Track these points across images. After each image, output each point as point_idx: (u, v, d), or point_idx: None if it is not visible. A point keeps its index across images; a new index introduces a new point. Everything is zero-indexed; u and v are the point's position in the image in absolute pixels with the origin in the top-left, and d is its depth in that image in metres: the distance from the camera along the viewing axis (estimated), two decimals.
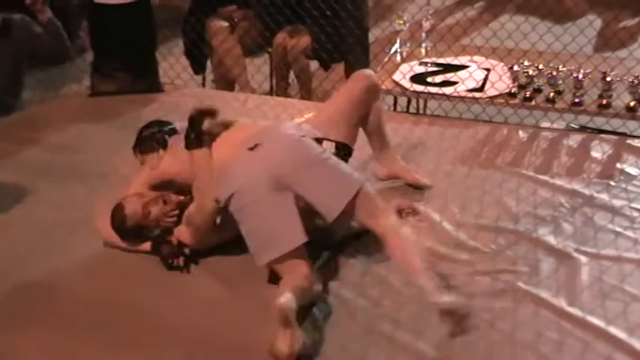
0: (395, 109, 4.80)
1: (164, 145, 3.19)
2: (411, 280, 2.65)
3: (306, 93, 5.46)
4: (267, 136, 2.91)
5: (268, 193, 2.72)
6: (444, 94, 4.46)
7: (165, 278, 2.93)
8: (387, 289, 2.81)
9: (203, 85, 5.61)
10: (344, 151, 3.17)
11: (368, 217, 2.78)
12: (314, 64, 5.41)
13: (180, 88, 4.99)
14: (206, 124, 2.99)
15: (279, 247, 2.69)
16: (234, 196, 2.77)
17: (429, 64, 4.74)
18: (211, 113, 3.03)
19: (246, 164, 2.83)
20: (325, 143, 3.10)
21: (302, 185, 2.75)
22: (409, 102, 4.91)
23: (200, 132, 2.97)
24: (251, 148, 2.83)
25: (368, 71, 3.44)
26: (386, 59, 4.94)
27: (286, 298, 2.45)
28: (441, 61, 4.75)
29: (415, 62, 4.78)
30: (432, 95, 4.53)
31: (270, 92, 5.59)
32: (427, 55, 4.92)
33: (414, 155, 3.85)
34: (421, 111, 4.93)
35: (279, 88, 5.58)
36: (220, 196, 2.82)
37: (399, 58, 4.93)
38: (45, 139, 4.14)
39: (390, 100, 4.79)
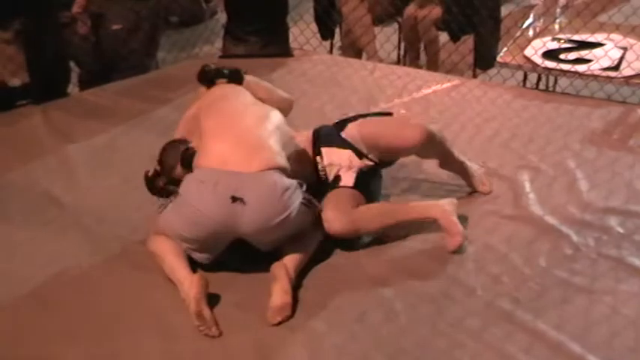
0: (524, 86, 4.71)
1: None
2: None
3: (433, 65, 5.42)
4: (252, 187, 2.69)
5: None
6: (576, 72, 4.34)
7: None
8: (508, 266, 2.78)
9: (331, 51, 5.64)
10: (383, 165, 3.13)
11: None
12: (444, 36, 5.36)
13: (309, 54, 5.04)
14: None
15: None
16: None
17: (562, 41, 4.61)
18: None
19: (217, 214, 2.67)
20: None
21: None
22: (539, 79, 4.81)
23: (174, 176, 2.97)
24: (234, 199, 2.65)
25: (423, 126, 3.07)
26: (518, 33, 4.83)
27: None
28: (576, 37, 4.61)
29: (548, 38, 4.66)
30: (564, 73, 4.41)
31: (398, 62, 5.57)
32: (561, 31, 4.80)
33: (543, 133, 3.78)
34: (551, 88, 4.82)
35: (410, 59, 5.56)
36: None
37: (531, 32, 4.83)
38: (177, 98, 4.24)
39: (519, 75, 4.71)
